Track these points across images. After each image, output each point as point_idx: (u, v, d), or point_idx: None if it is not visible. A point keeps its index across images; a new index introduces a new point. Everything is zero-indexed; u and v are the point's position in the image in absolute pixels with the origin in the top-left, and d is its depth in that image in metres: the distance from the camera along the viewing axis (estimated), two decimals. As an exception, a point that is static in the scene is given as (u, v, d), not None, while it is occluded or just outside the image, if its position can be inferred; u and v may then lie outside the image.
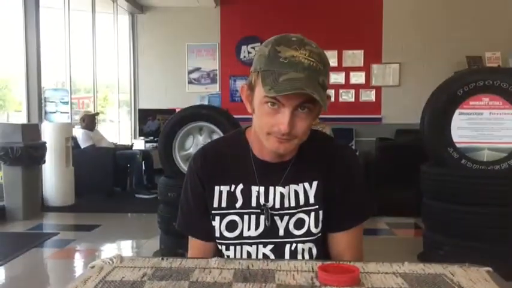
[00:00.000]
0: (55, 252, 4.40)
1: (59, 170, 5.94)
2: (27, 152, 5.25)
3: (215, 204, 1.23)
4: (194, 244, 1.30)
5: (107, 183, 6.73)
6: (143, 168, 7.07)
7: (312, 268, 1.00)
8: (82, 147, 6.64)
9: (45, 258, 4.32)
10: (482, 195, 3.44)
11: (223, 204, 1.23)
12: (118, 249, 4.72)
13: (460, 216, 3.56)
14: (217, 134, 3.74)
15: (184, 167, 3.84)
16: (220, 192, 1.24)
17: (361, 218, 1.25)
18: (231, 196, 1.23)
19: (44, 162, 5.61)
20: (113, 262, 1.04)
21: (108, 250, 4.59)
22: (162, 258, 1.07)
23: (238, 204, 1.22)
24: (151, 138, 7.98)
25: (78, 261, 4.28)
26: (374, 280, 0.93)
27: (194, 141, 3.89)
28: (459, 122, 3.74)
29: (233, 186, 1.23)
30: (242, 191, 1.22)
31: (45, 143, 5.58)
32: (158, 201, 4.00)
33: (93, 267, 1.02)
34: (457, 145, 3.68)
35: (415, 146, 5.28)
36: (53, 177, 5.92)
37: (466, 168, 3.60)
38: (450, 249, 3.56)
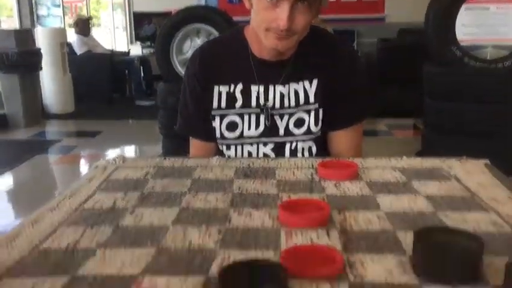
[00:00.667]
0: (59, 158, 4.49)
1: (57, 77, 5.88)
2: (22, 58, 5.17)
3: (215, 105, 1.22)
4: (195, 144, 1.31)
5: (106, 90, 6.69)
6: (141, 74, 6.99)
7: (312, 165, 1.01)
8: (78, 54, 6.52)
9: (50, 164, 4.42)
10: (484, 94, 3.44)
11: (223, 105, 1.22)
12: (121, 153, 4.80)
13: (461, 115, 3.58)
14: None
15: (182, 71, 3.79)
16: (220, 93, 1.22)
17: (362, 116, 1.25)
18: (231, 96, 1.22)
19: (41, 68, 5.54)
20: (116, 162, 1.05)
21: (112, 155, 4.67)
22: (165, 158, 1.08)
23: (238, 104, 1.21)
24: (148, 43, 7.80)
25: (83, 166, 4.37)
26: (372, 174, 0.95)
27: (192, 45, 3.81)
28: (464, 18, 3.65)
29: (232, 86, 1.21)
30: (242, 91, 1.21)
31: (39, 49, 5.47)
32: (158, 108, 4.00)
33: (96, 167, 1.03)
34: (461, 43, 3.63)
35: (416, 46, 5.18)
36: (51, 84, 5.88)
37: (468, 66, 3.58)
38: (449, 148, 3.63)
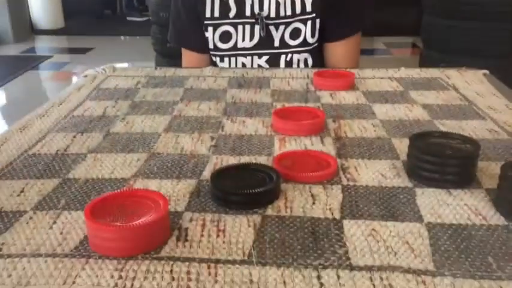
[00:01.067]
0: (51, 75, 4.41)
1: (44, -10, 5.65)
2: (7, -30, 4.92)
3: (207, 14, 1.17)
4: (187, 56, 1.27)
5: (96, 5, 6.45)
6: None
7: (307, 75, 0.99)
8: (65, -35, 6.20)
9: (42, 81, 4.35)
10: (484, 10, 3.34)
11: (216, 14, 1.17)
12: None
13: (460, 32, 3.50)
14: None
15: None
16: (213, 1, 1.17)
17: (359, 26, 1.20)
18: (224, 5, 1.16)
19: (27, -19, 5.30)
20: (105, 72, 1.02)
21: (105, 72, 4.60)
22: (156, 68, 1.05)
23: (231, 14, 1.16)
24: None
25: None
26: (369, 84, 0.93)
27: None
28: None
29: None
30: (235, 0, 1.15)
31: (24, -40, 5.20)
32: (150, 23, 3.88)
33: (86, 76, 1.00)
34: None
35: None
36: (39, -2, 5.66)
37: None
38: (448, 66, 3.58)
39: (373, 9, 1.22)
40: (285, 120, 0.71)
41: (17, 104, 3.76)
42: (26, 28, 5.50)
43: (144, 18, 6.15)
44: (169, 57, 3.73)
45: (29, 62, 4.72)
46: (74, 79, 4.42)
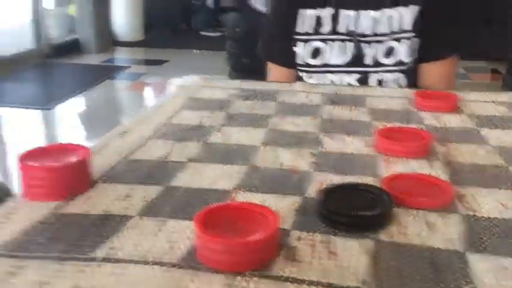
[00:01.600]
0: (128, 85, 4.59)
1: (128, 4, 5.91)
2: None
3: (299, 29, 1.16)
4: (274, 70, 1.26)
5: (174, 19, 6.68)
6: (209, 5, 6.89)
7: (405, 95, 0.94)
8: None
9: (119, 90, 4.53)
10: None
11: (308, 29, 1.15)
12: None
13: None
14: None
15: (253, 2, 3.69)
16: (305, 16, 1.15)
17: (458, 47, 1.15)
18: (317, 20, 1.14)
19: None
20: (198, 82, 1.03)
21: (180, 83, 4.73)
22: (242, 81, 1.05)
23: (324, 30, 1.14)
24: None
25: (151, 92, 4.46)
26: (473, 107, 0.87)
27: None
28: None
29: (320, 10, 1.13)
30: (330, 15, 1.13)
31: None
32: (223, 39, 3.95)
33: (179, 86, 1.01)
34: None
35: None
36: (123, 12, 5.93)
37: None
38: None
39: (472, 33, 1.15)
40: (389, 140, 0.67)
41: (95, 110, 3.93)
42: (108, 39, 5.78)
43: (217, 34, 6.29)
44: (243, 72, 3.78)
45: (109, 71, 4.94)
46: (149, 89, 4.58)
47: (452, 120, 0.80)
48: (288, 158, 0.66)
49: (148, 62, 5.47)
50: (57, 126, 3.62)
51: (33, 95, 4.10)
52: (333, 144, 0.71)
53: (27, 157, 0.57)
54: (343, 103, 0.90)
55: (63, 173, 0.56)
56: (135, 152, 0.68)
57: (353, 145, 0.70)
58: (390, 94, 0.95)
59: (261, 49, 1.26)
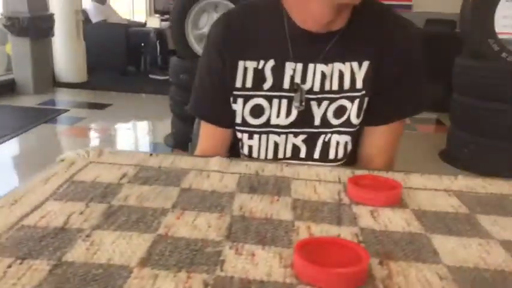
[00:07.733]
0: (66, 129, 4.31)
1: (70, 45, 5.68)
2: (34, 23, 4.98)
3: (238, 84, 0.98)
4: (206, 130, 1.07)
5: (120, 61, 6.48)
6: (158, 48, 6.75)
7: (339, 178, 0.78)
8: (93, 22, 6.29)
9: (56, 134, 4.24)
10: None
11: (248, 84, 0.98)
12: (129, 129, 4.61)
13: (491, 115, 3.32)
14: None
15: (197, 47, 3.56)
16: (245, 69, 0.98)
17: (415, 110, 1.01)
18: (259, 74, 0.97)
19: (53, 35, 5.34)
20: (88, 156, 0.83)
21: (120, 130, 4.49)
22: (151, 154, 0.86)
23: (266, 85, 0.97)
24: (167, 16, 7.52)
25: (89, 139, 4.19)
26: (420, 199, 0.71)
27: (209, 20, 3.57)
28: (505, 10, 3.43)
29: (262, 62, 0.97)
30: (273, 69, 0.97)
31: (52, 14, 5.27)
32: (169, 84, 3.79)
33: (62, 160, 0.81)
34: (499, 36, 3.38)
35: (444, 37, 4.87)
36: (64, 52, 5.69)
37: (505, 61, 3.33)
38: (475, 148, 3.37)
39: (428, 91, 1.01)
40: (312, 265, 0.49)
41: (28, 156, 3.63)
42: (47, 80, 5.50)
43: (166, 77, 6.12)
44: (187, 121, 3.59)
45: (45, 114, 4.65)
46: (88, 134, 4.30)
47: (394, 220, 0.63)
48: (168, 291, 0.46)
49: (90, 106, 5.21)
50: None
51: (-42, 138, 3.76)
52: (238, 262, 0.52)
53: None
54: (264, 190, 0.72)
55: None
56: None
57: (265, 265, 0.52)
58: (322, 177, 0.78)
59: (192, 106, 1.08)
